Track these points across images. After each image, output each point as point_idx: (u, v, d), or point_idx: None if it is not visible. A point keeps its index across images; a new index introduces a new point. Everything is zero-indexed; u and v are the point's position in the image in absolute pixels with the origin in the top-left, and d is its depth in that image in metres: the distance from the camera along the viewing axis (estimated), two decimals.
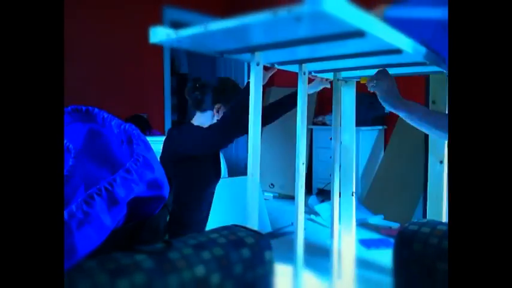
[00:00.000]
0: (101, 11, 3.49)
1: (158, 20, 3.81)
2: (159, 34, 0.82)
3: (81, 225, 0.51)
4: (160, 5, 3.90)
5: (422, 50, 0.96)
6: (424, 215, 2.89)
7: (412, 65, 1.09)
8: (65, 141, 0.68)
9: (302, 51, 1.00)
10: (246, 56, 1.01)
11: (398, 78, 1.14)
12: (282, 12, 0.62)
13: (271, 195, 3.87)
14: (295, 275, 1.22)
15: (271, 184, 3.89)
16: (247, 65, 4.30)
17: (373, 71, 1.29)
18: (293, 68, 1.22)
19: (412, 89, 3.39)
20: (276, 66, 1.19)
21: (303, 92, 1.19)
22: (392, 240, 0.84)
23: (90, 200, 0.54)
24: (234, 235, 0.68)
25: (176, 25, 0.90)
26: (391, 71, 1.25)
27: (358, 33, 0.72)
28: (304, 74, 1.18)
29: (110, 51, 3.58)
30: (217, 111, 1.55)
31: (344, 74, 1.40)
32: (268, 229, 2.69)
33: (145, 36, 0.85)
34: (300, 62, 1.15)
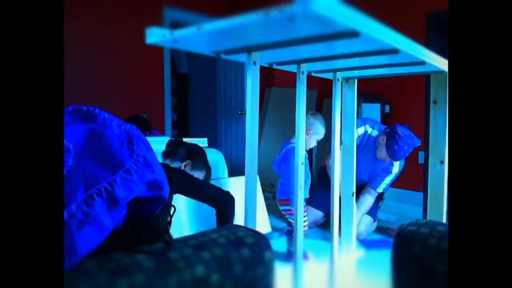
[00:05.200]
0: (101, 11, 3.49)
1: (158, 21, 3.82)
2: (154, 34, 0.83)
3: (81, 225, 0.51)
4: (160, 6, 3.90)
5: (420, 49, 0.95)
6: (425, 215, 2.89)
7: (411, 64, 1.09)
8: (65, 142, 0.68)
9: (299, 51, 0.99)
10: (244, 56, 1.01)
11: (399, 78, 1.14)
12: (273, 12, 0.62)
13: (271, 195, 3.86)
14: (295, 275, 1.22)
15: (271, 184, 3.88)
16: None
17: (372, 71, 1.29)
18: (291, 68, 1.22)
19: (412, 89, 3.40)
20: (274, 66, 1.19)
21: (302, 92, 1.19)
22: (392, 241, 0.85)
23: (90, 200, 0.54)
24: (234, 235, 0.68)
25: (176, 25, 0.90)
26: (391, 71, 1.25)
27: (352, 33, 0.72)
28: (303, 73, 1.18)
29: (110, 51, 3.58)
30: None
31: (343, 74, 1.40)
32: (268, 229, 2.69)
33: (145, 36, 0.85)
34: (298, 62, 1.15)
